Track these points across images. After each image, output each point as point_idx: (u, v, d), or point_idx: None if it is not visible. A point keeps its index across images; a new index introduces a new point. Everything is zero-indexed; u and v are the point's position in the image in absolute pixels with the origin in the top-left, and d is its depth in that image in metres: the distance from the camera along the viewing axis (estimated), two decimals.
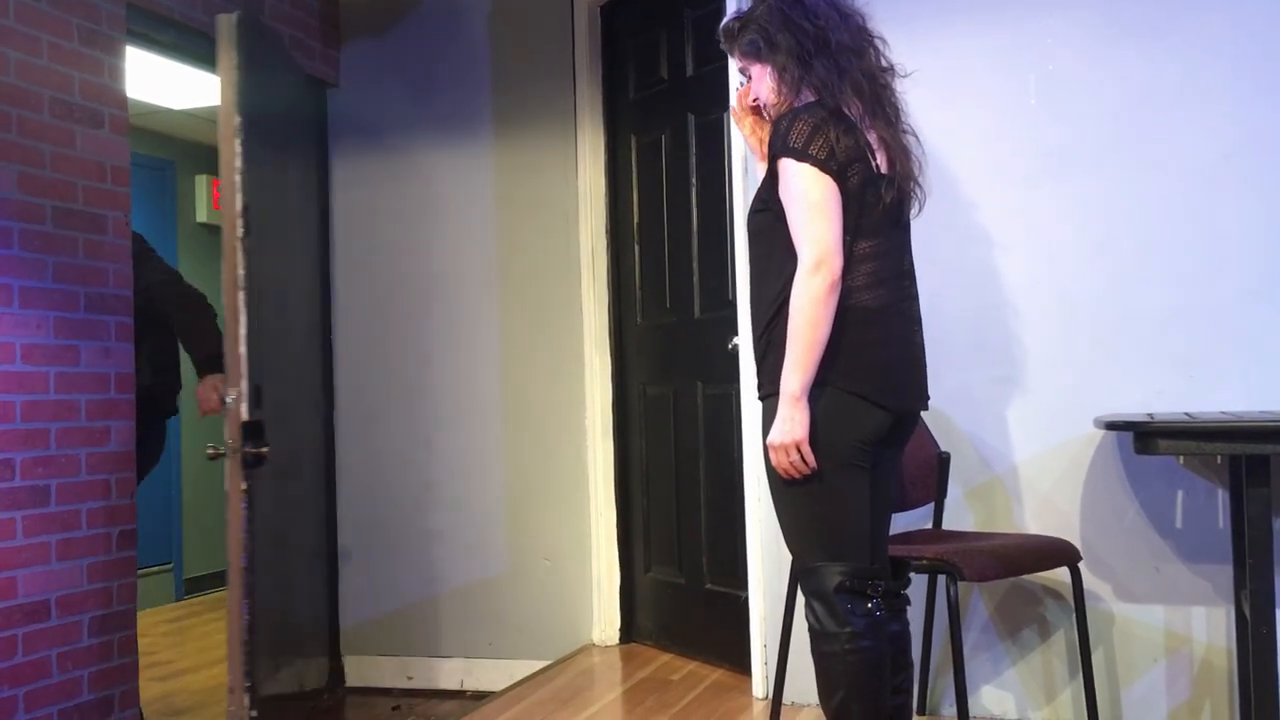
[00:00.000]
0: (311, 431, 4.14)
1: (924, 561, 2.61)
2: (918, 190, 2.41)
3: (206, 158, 6.14)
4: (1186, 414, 2.81)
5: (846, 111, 2.29)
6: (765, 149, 2.50)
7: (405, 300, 4.33)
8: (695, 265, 3.85)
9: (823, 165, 2.22)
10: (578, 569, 4.14)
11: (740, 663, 3.55)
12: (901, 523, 3.08)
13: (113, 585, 3.31)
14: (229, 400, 3.12)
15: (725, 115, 3.53)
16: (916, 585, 2.78)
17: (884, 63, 2.39)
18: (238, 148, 3.17)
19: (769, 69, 2.37)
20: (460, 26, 4.28)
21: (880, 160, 2.31)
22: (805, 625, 2.34)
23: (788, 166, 2.24)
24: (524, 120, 4.21)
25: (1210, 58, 3.00)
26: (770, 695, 3.11)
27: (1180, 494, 3.02)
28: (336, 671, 4.30)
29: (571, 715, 3.33)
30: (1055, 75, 3.12)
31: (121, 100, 3.39)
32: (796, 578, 2.49)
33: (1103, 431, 3.03)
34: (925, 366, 2.43)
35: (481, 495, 4.23)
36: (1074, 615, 2.95)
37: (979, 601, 3.18)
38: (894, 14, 3.07)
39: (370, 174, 4.36)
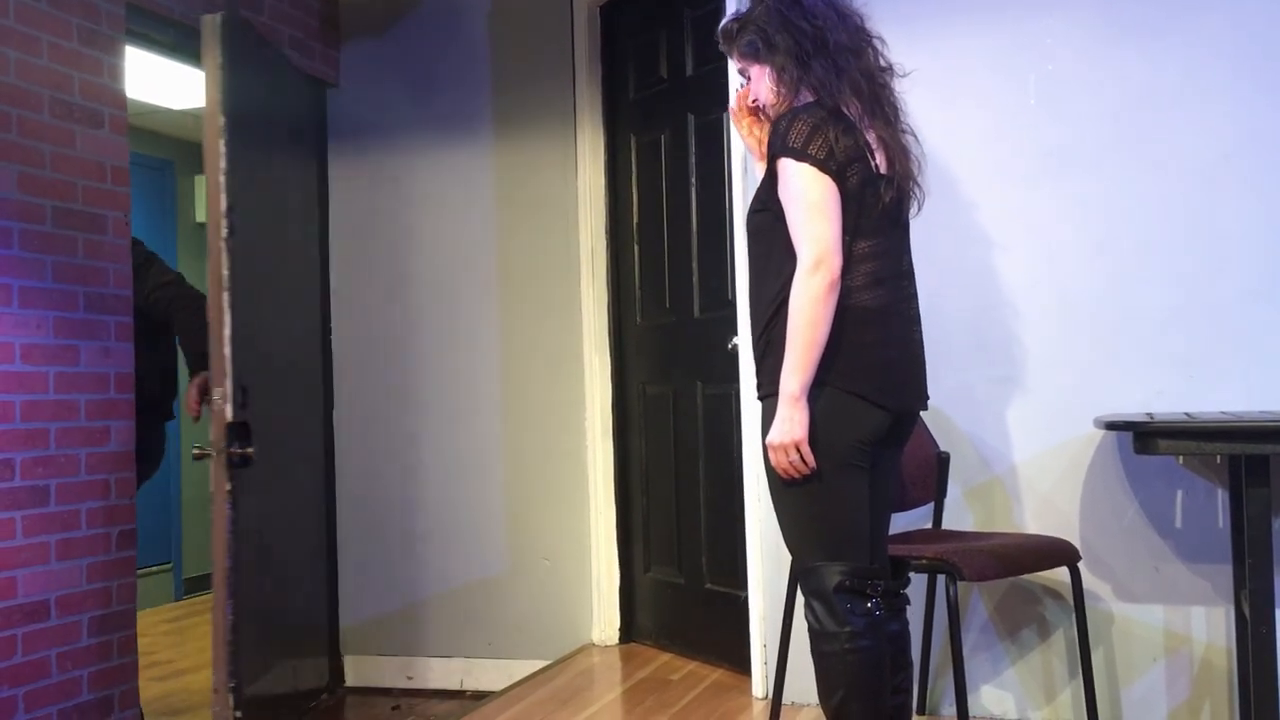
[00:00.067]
0: (310, 431, 4.14)
1: (923, 561, 2.61)
2: (917, 190, 2.41)
3: None
4: (1186, 414, 2.81)
5: (845, 111, 2.29)
6: (764, 149, 2.50)
7: (405, 300, 4.33)
8: (695, 265, 3.85)
9: (822, 165, 2.22)
10: (577, 569, 4.14)
11: (740, 662, 3.55)
12: (901, 522, 3.08)
13: (112, 585, 3.31)
14: (215, 398, 3.13)
15: (725, 115, 3.53)
16: (916, 585, 2.78)
17: (883, 62, 2.39)
18: (222, 148, 3.18)
19: (768, 69, 2.37)
20: (460, 26, 4.28)
21: (879, 160, 2.31)
22: (805, 625, 2.34)
23: (787, 166, 2.24)
24: (524, 120, 4.21)
25: (1210, 58, 3.00)
26: (770, 695, 3.11)
27: (1180, 494, 3.02)
28: (336, 671, 4.30)
29: (571, 715, 3.33)
30: (1055, 75, 3.12)
31: (121, 100, 3.39)
32: (796, 577, 2.49)
33: (1102, 431, 3.03)
34: (924, 366, 2.43)
35: (481, 495, 4.23)
36: (1074, 615, 2.95)
37: (978, 601, 3.18)
38: (893, 14, 3.07)
39: (370, 174, 4.36)
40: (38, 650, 3.07)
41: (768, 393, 2.30)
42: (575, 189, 4.15)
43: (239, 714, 3.14)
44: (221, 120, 3.18)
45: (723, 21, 2.50)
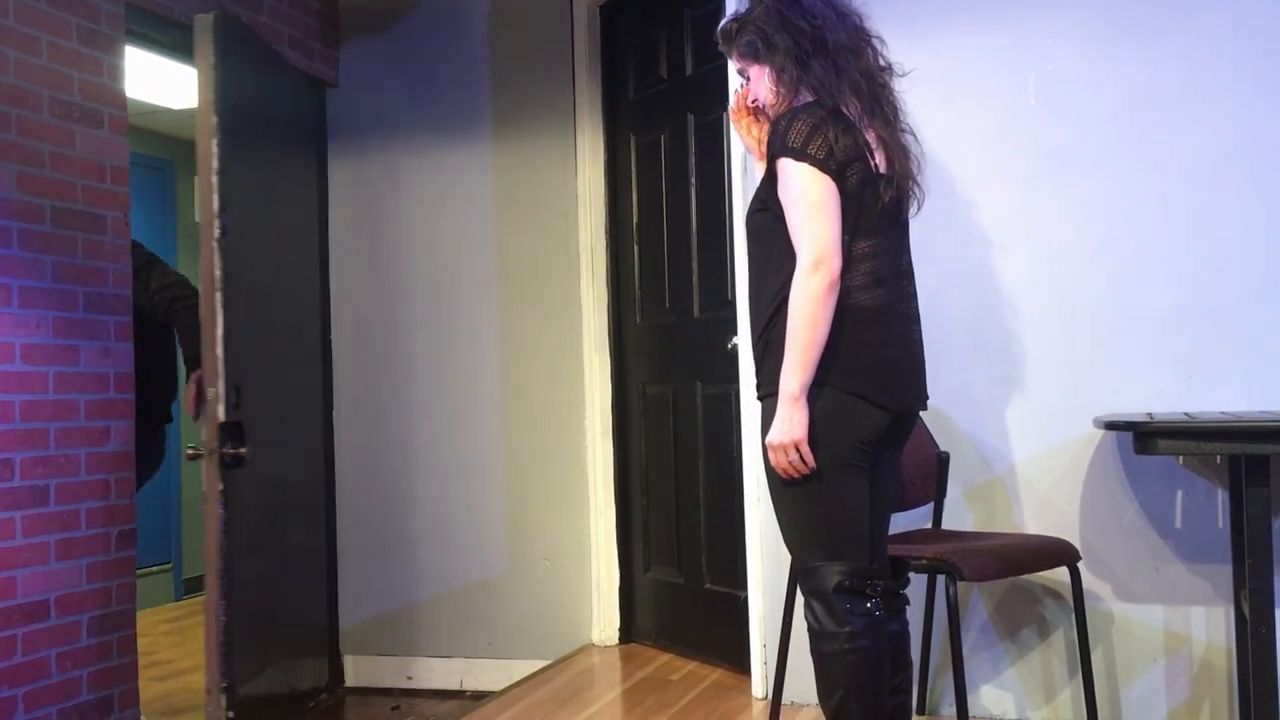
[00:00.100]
0: (309, 431, 4.14)
1: (923, 561, 2.61)
2: (916, 189, 2.41)
3: None
4: (1186, 414, 2.81)
5: (845, 111, 2.29)
6: (763, 149, 2.50)
7: (405, 300, 4.33)
8: (694, 265, 3.85)
9: (821, 165, 2.22)
10: (577, 569, 4.14)
11: (740, 662, 3.55)
12: (901, 522, 3.08)
13: (112, 585, 3.31)
14: (208, 398, 3.13)
15: (724, 115, 3.53)
16: (916, 585, 2.78)
17: (882, 62, 2.39)
18: (215, 148, 3.18)
19: (767, 70, 2.37)
20: (460, 26, 4.28)
21: (879, 159, 2.31)
22: (805, 625, 2.34)
23: (786, 166, 2.24)
24: (523, 120, 4.21)
25: (1211, 58, 3.00)
26: (770, 695, 3.11)
27: (1180, 494, 3.02)
28: (336, 671, 4.30)
29: (571, 715, 3.33)
30: (1055, 75, 3.12)
31: (121, 100, 3.39)
32: (796, 577, 2.49)
33: (1102, 431, 3.03)
34: (924, 366, 2.43)
35: (481, 495, 4.23)
36: (1073, 615, 2.94)
37: (978, 601, 3.18)
38: (893, 14, 3.07)
39: (369, 173, 4.36)
40: (37, 650, 3.07)
41: (767, 392, 2.30)
42: (575, 189, 4.15)
43: (231, 714, 3.15)
44: (214, 120, 3.18)
45: (722, 22, 2.50)
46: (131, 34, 3.46)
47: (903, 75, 2.43)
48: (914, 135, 2.40)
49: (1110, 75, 3.08)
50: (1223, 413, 2.86)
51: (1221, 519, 2.99)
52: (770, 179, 2.31)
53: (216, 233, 3.16)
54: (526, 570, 4.18)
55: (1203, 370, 2.99)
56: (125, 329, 3.37)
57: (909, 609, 2.43)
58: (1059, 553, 2.83)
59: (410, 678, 4.28)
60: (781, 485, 2.30)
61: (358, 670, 4.34)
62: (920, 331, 2.41)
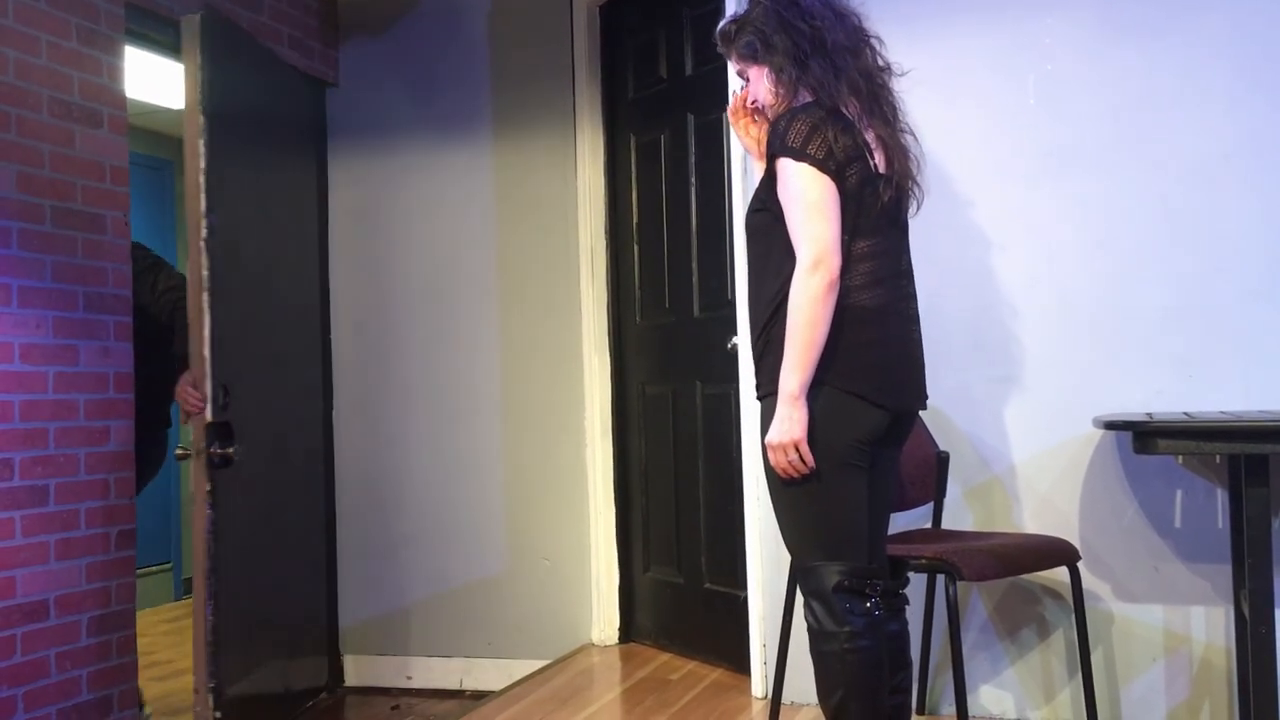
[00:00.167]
0: (307, 431, 4.14)
1: (923, 561, 2.61)
2: (916, 189, 2.41)
3: None
4: (1185, 414, 2.81)
5: (844, 111, 2.29)
6: (762, 149, 2.50)
7: (404, 299, 4.33)
8: (694, 265, 3.85)
9: (821, 165, 2.22)
10: (577, 569, 4.14)
11: (739, 662, 3.55)
12: (900, 522, 3.08)
13: (111, 585, 3.31)
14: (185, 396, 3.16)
15: (724, 115, 3.53)
16: (915, 585, 2.78)
17: (881, 62, 2.39)
18: (202, 149, 3.19)
19: (766, 70, 2.37)
20: (460, 26, 4.28)
21: (878, 159, 2.31)
22: (804, 625, 2.34)
23: (786, 166, 2.24)
24: (523, 120, 4.21)
25: (1210, 58, 3.00)
26: (769, 695, 3.11)
27: (1179, 494, 3.02)
28: (336, 671, 4.30)
29: (570, 715, 3.33)
30: (1055, 75, 3.12)
31: (120, 100, 3.39)
32: (795, 577, 2.49)
33: (1102, 431, 3.03)
34: (923, 366, 2.43)
35: (481, 495, 4.23)
36: (1073, 615, 2.95)
37: (978, 601, 3.18)
38: (893, 14, 3.07)
39: (369, 173, 4.36)
40: (37, 650, 3.07)
41: (767, 392, 2.30)
42: (575, 189, 4.15)
43: (219, 714, 3.15)
44: (201, 120, 3.18)
45: (720, 24, 2.50)
46: (131, 34, 3.46)
47: (901, 75, 2.43)
48: (913, 135, 2.41)
49: (1109, 75, 3.08)
50: (1222, 412, 2.86)
51: (1221, 519, 2.99)
52: (770, 179, 2.31)
53: (204, 233, 3.17)
54: (526, 570, 4.19)
55: (1202, 370, 2.99)
56: (125, 329, 3.37)
57: (908, 609, 2.43)
58: (1058, 552, 2.83)
59: (410, 677, 4.28)
60: (781, 485, 2.30)
61: (357, 670, 4.34)
62: (919, 331, 2.41)
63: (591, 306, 4.13)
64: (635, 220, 4.13)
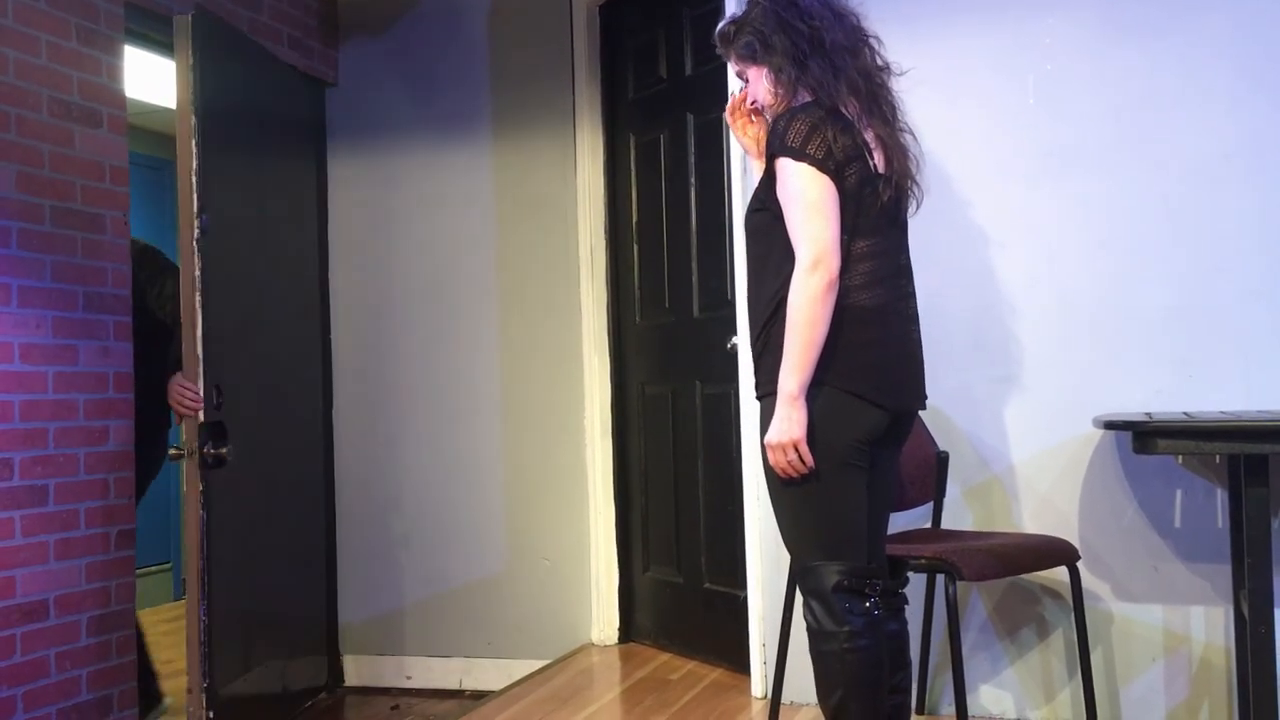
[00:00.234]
0: (306, 431, 4.15)
1: (922, 561, 2.61)
2: (915, 189, 2.41)
3: None
4: (1185, 413, 2.81)
5: (843, 111, 2.29)
6: (760, 148, 2.50)
7: (404, 299, 4.33)
8: (694, 265, 3.85)
9: (820, 164, 2.22)
10: (576, 568, 4.14)
11: (739, 662, 3.55)
12: (900, 522, 3.08)
13: (111, 585, 3.31)
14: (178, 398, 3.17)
15: (724, 115, 3.52)
16: (915, 584, 2.78)
17: (880, 61, 2.39)
18: (194, 149, 3.19)
19: (765, 70, 2.37)
20: (460, 26, 4.28)
21: (877, 159, 2.31)
22: (804, 624, 2.34)
23: (785, 166, 2.24)
24: (523, 120, 4.21)
25: (1211, 58, 3.00)
26: (769, 694, 3.11)
27: (1179, 493, 3.02)
28: (335, 671, 4.30)
29: (570, 715, 3.33)
30: (1055, 75, 3.12)
31: (120, 100, 3.39)
32: (795, 577, 2.49)
33: (1101, 431, 3.03)
34: (923, 365, 2.43)
35: (481, 495, 4.23)
36: (1072, 615, 2.94)
37: (977, 601, 3.18)
38: (894, 14, 3.07)
39: (369, 173, 4.36)
40: (37, 650, 3.07)
41: (766, 392, 2.30)
42: (574, 189, 4.15)
43: (211, 714, 3.16)
44: (193, 120, 3.19)
45: (719, 25, 2.50)
46: (131, 33, 3.46)
47: (900, 75, 2.43)
48: (913, 135, 2.41)
49: (1111, 75, 3.08)
50: (1222, 412, 2.86)
51: (1220, 518, 2.99)
52: (769, 179, 2.31)
53: (196, 233, 3.17)
54: (526, 570, 4.18)
55: (1202, 370, 2.99)
56: (124, 328, 3.37)
57: (908, 608, 2.43)
58: (1058, 552, 2.83)
59: (410, 677, 4.28)
60: (780, 485, 2.30)
61: (357, 670, 4.34)
62: (919, 331, 2.41)
63: (591, 306, 4.13)
64: (635, 220, 4.13)
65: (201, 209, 3.20)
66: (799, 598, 2.38)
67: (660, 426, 4.00)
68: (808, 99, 2.31)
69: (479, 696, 3.89)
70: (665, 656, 3.93)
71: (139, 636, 3.61)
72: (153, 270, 3.51)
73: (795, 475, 2.26)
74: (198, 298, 3.18)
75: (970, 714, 2.99)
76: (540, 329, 4.18)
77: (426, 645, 4.28)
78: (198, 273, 3.18)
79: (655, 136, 4.02)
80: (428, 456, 4.28)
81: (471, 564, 4.24)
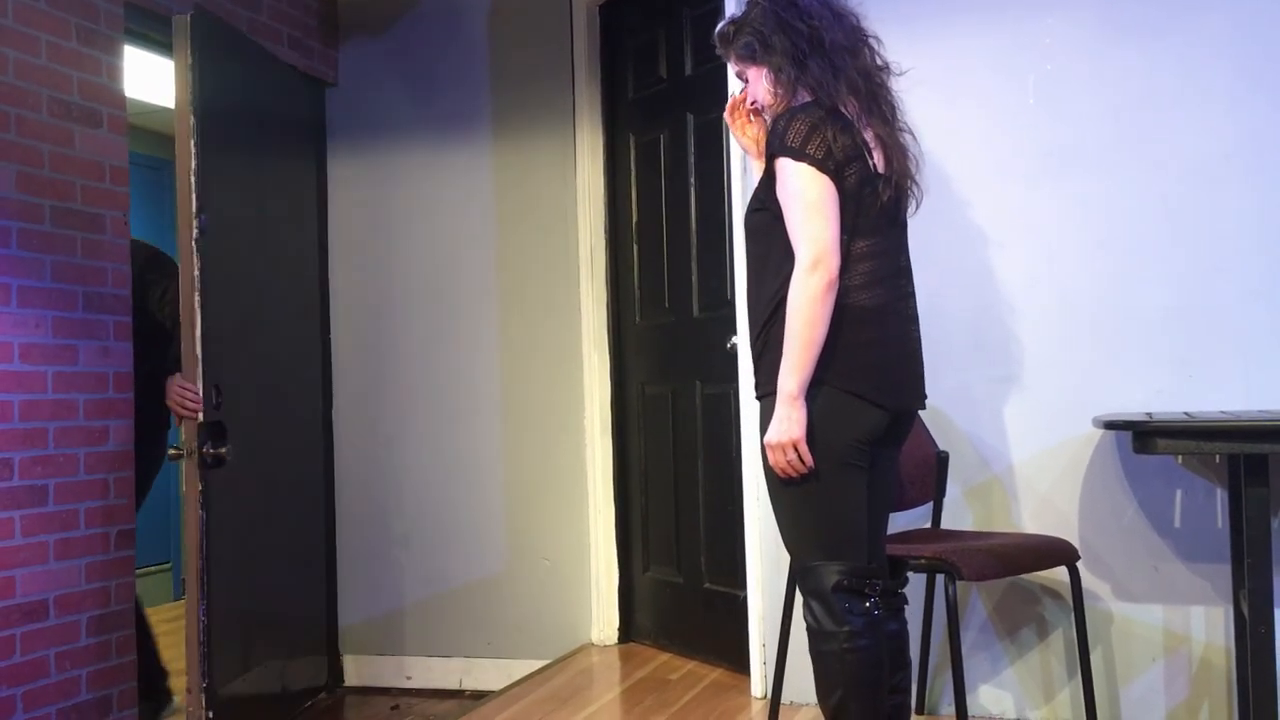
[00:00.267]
0: (306, 431, 4.14)
1: (922, 561, 2.61)
2: (915, 189, 2.41)
3: None
4: (1185, 413, 2.81)
5: (843, 110, 2.29)
6: (759, 148, 2.51)
7: (403, 299, 4.33)
8: (694, 264, 3.85)
9: (820, 164, 2.22)
10: (576, 568, 4.14)
11: (739, 662, 3.55)
12: (900, 522, 3.08)
13: (111, 585, 3.31)
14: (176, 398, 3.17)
15: (723, 115, 3.53)
16: (915, 584, 2.79)
17: (879, 61, 2.39)
18: (193, 148, 3.19)
19: (765, 70, 2.37)
20: (459, 26, 4.28)
21: (877, 159, 2.31)
22: (804, 624, 2.34)
23: (785, 166, 2.24)
24: (523, 120, 4.21)
25: (1210, 57, 3.00)
26: (769, 694, 3.11)
27: (1179, 493, 3.02)
28: (335, 671, 4.30)
29: (570, 715, 3.33)
30: (1055, 75, 3.12)
31: (120, 100, 3.39)
32: (795, 577, 2.49)
33: (1101, 431, 3.03)
34: (922, 365, 2.43)
35: (480, 495, 4.23)
36: (1072, 615, 2.94)
37: (977, 601, 3.18)
38: (894, 14, 3.07)
39: (369, 172, 4.36)
40: (36, 650, 3.07)
41: (766, 392, 2.30)
42: (574, 189, 4.15)
43: (210, 714, 3.16)
44: (192, 120, 3.19)
45: (719, 26, 2.50)
46: (130, 33, 3.46)
47: (900, 74, 2.43)
48: (912, 134, 2.41)
49: (1110, 75, 3.08)
50: (1222, 412, 2.86)
51: (1220, 518, 2.99)
52: (769, 179, 2.31)
53: (194, 233, 3.18)
54: (526, 570, 4.18)
55: (1202, 370, 2.99)
56: (124, 328, 3.37)
57: (908, 608, 2.43)
58: (1058, 552, 2.83)
59: (410, 677, 4.28)
60: (780, 485, 2.30)
61: (357, 670, 4.34)
62: (918, 331, 2.41)
63: (591, 306, 4.13)
64: (635, 220, 4.13)
65: (201, 209, 3.20)
66: (799, 598, 2.38)
67: (660, 426, 4.00)
68: (807, 99, 2.31)
69: (479, 696, 3.89)
70: (665, 656, 3.93)
71: (150, 635, 3.62)
72: (160, 274, 3.52)
73: (795, 475, 2.26)
74: (197, 298, 3.18)
75: (970, 714, 2.99)
76: (540, 329, 4.18)
77: (426, 645, 4.28)
78: (197, 273, 3.18)
79: (655, 136, 4.02)
80: (428, 456, 4.28)
81: (471, 564, 4.24)
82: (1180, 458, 2.99)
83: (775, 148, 2.26)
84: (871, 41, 2.39)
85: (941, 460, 3.11)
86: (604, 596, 4.11)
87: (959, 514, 3.18)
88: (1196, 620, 3.01)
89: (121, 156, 3.38)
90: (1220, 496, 2.99)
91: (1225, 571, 2.98)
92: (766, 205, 2.32)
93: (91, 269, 3.27)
